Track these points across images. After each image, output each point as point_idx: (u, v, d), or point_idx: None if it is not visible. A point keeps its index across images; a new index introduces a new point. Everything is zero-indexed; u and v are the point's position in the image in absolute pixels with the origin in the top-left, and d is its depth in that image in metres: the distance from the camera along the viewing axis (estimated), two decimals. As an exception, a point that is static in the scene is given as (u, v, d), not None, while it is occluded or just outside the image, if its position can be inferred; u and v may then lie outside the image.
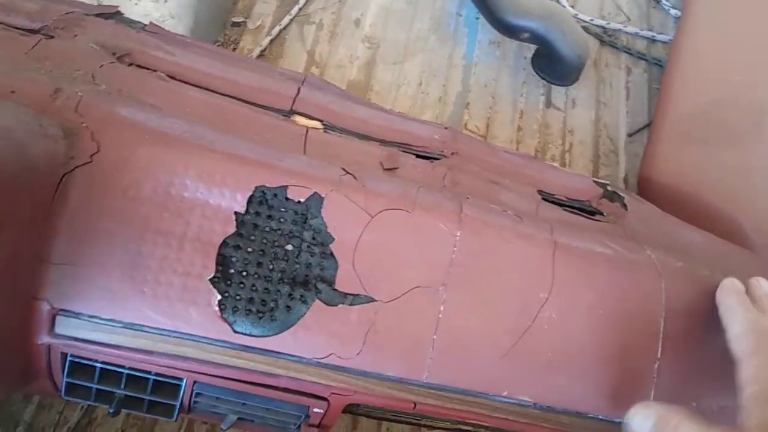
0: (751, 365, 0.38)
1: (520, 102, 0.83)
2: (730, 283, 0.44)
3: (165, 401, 0.41)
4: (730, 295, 0.43)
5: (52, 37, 0.42)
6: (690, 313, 0.44)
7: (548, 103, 0.83)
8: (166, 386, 0.41)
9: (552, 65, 0.79)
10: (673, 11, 0.90)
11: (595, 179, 0.55)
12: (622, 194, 0.53)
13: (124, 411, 0.41)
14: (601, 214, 0.51)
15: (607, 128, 0.83)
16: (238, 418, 0.44)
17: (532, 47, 0.84)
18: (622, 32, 0.89)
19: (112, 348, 0.38)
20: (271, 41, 0.81)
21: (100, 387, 0.40)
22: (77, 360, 0.39)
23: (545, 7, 0.75)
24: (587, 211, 0.51)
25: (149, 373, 0.40)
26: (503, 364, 0.41)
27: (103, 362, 0.39)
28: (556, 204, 0.50)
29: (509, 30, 0.76)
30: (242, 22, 0.83)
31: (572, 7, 0.89)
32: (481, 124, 0.81)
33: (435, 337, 0.41)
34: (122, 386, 0.40)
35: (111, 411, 0.40)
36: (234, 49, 0.81)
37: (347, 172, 0.42)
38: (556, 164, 0.76)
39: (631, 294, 0.43)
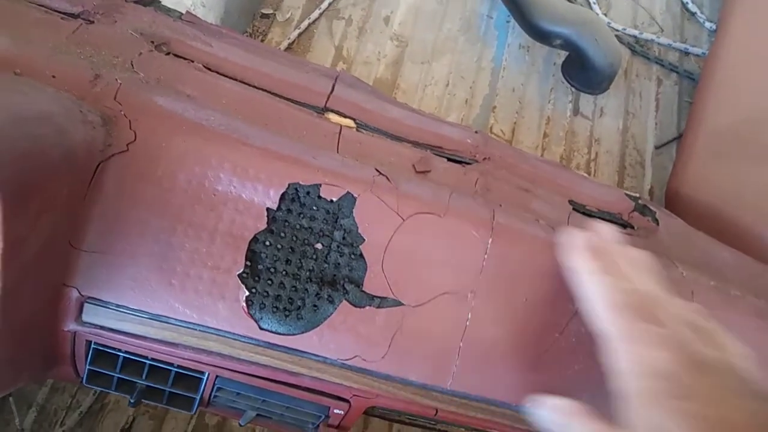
0: (627, 351, 0.32)
1: (547, 108, 0.82)
2: (571, 239, 0.38)
3: (185, 394, 0.41)
4: (577, 255, 0.37)
5: (92, 22, 0.42)
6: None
7: (576, 111, 0.82)
8: (188, 379, 0.41)
9: (583, 73, 0.78)
10: (708, 24, 0.88)
11: (627, 192, 0.54)
12: (653, 209, 0.52)
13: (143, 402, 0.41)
14: (632, 227, 0.50)
15: (635, 139, 0.82)
16: (257, 415, 0.44)
17: (562, 53, 0.83)
18: (654, 43, 0.87)
19: (138, 338, 0.38)
20: (300, 35, 0.81)
21: (121, 376, 0.40)
22: (101, 348, 0.39)
23: (579, 14, 0.74)
24: (618, 224, 0.50)
25: (172, 365, 0.40)
26: (529, 375, 0.41)
27: (126, 352, 0.39)
28: (587, 215, 0.49)
29: (542, 35, 0.75)
30: (271, 14, 0.82)
31: (605, 15, 0.88)
32: (507, 128, 0.80)
33: (461, 344, 0.40)
34: (144, 376, 0.40)
35: (132, 401, 0.40)
36: (262, 41, 0.80)
37: (380, 173, 0.41)
38: (583, 173, 0.76)
39: (661, 311, 0.43)
